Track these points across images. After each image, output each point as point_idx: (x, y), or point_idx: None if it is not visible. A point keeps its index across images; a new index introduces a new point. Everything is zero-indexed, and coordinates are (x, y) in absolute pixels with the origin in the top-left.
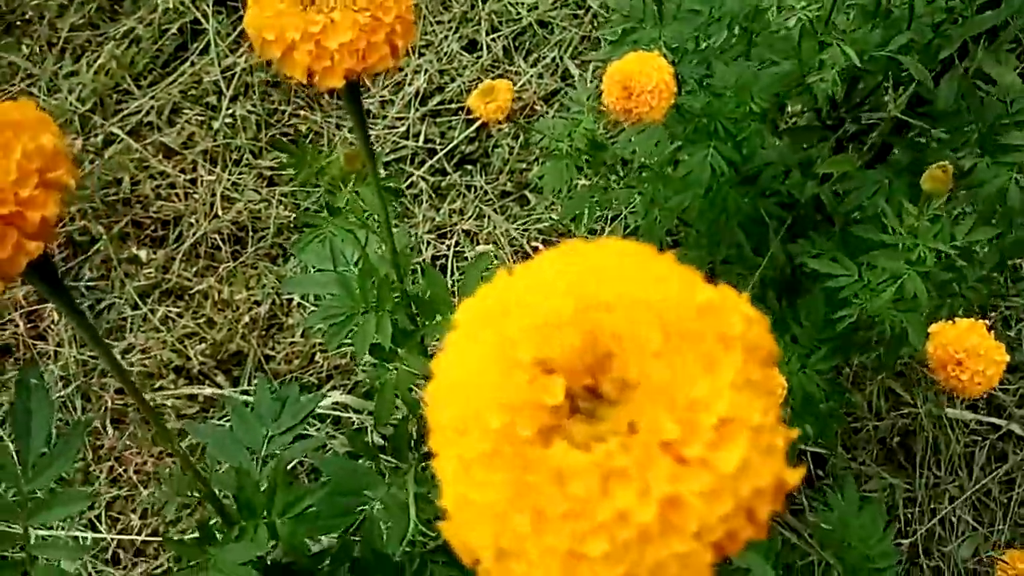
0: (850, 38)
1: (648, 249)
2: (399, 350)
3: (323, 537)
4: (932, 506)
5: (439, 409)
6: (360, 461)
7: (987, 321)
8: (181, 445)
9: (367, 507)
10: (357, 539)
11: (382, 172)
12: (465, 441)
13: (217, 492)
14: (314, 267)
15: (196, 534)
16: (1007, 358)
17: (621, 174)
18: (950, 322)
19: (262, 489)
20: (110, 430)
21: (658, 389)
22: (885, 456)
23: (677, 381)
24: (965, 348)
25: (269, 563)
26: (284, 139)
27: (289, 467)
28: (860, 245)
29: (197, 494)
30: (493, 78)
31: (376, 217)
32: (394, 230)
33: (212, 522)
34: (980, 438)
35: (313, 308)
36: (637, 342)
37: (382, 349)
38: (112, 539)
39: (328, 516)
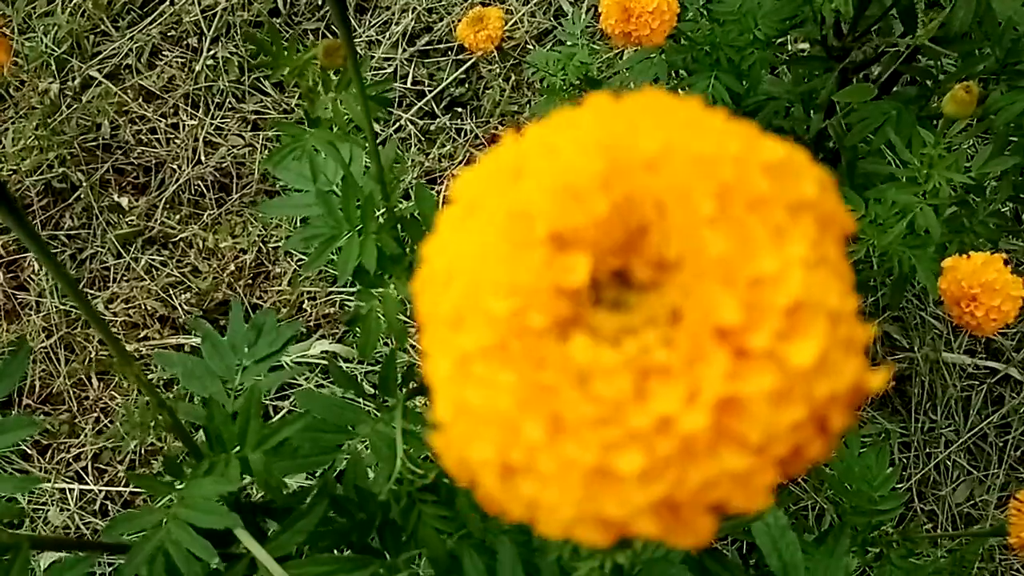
0: None
1: (699, 101)
2: (385, 275)
3: (307, 476)
4: (928, 451)
5: (431, 299)
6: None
7: (1002, 254)
8: (143, 373)
9: (352, 444)
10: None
11: (368, 78)
12: (464, 334)
13: (186, 425)
14: (293, 188)
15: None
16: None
17: None
18: (965, 256)
19: (234, 421)
20: (95, 381)
21: (711, 264)
22: (881, 401)
23: (737, 254)
24: (981, 283)
25: (242, 500)
26: (257, 33)
27: (267, 400)
28: (866, 180)
29: (161, 426)
30: None
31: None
32: (383, 145)
33: (182, 459)
34: (977, 382)
35: (302, 258)
36: (686, 208)
37: (366, 274)
38: (100, 491)
39: (309, 453)
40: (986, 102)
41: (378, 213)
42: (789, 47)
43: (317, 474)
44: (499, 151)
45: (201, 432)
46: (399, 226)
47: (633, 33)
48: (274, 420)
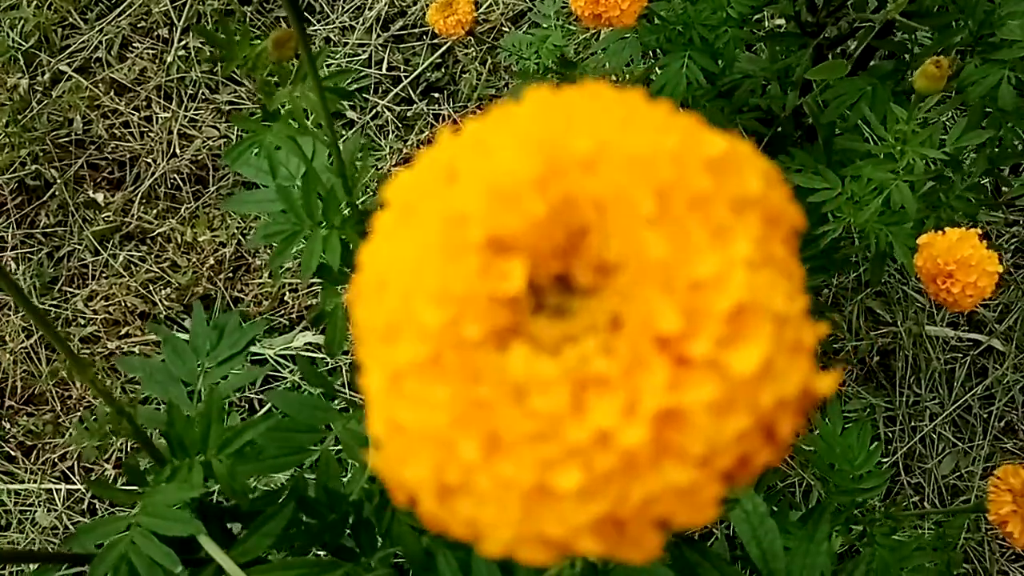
0: None
1: (640, 94)
2: (350, 271)
3: (280, 476)
4: (912, 424)
5: (365, 310)
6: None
7: (979, 229)
8: (103, 380)
9: (323, 443)
10: (313, 478)
11: (341, 65)
12: (396, 348)
13: (148, 431)
14: (255, 183)
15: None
16: (1000, 268)
17: None
18: (940, 233)
19: (195, 425)
20: (77, 380)
21: (652, 268)
22: (865, 376)
23: (677, 257)
24: (956, 259)
25: (209, 504)
26: (209, 27)
27: (251, 395)
28: (843, 158)
29: (121, 433)
30: None
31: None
32: (356, 133)
33: (147, 464)
34: (960, 355)
35: None
36: (624, 209)
37: (331, 270)
38: (87, 490)
39: (277, 454)
40: (960, 75)
41: (342, 207)
42: (767, 23)
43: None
44: (434, 151)
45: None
46: (363, 220)
47: (603, 15)
48: (238, 422)
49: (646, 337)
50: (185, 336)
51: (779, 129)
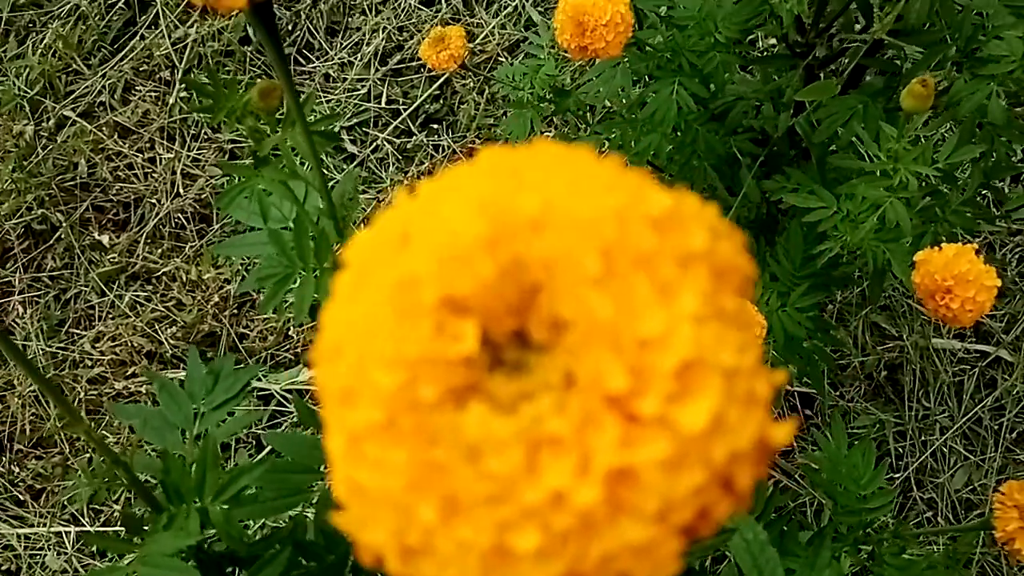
0: None
1: (589, 152)
2: None
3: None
4: (923, 438)
5: (323, 372)
6: (315, 434)
7: (974, 244)
8: (95, 429)
9: (321, 483)
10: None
11: (317, 114)
12: (354, 411)
13: (143, 479)
14: (248, 227)
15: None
16: (998, 282)
17: (588, 121)
18: (936, 249)
19: (191, 472)
20: (86, 421)
21: (599, 327)
22: (873, 391)
23: (623, 315)
24: (954, 275)
25: (204, 554)
26: (198, 79)
27: (236, 438)
28: (838, 176)
29: (116, 483)
30: None
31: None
32: (343, 177)
33: (143, 513)
34: (968, 367)
35: None
36: (571, 268)
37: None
38: (96, 531)
39: (273, 496)
40: (951, 91)
41: (334, 248)
42: (760, 44)
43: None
44: (390, 213)
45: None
46: None
47: (589, 47)
48: (245, 460)
49: (597, 396)
50: (183, 376)
51: (774, 149)
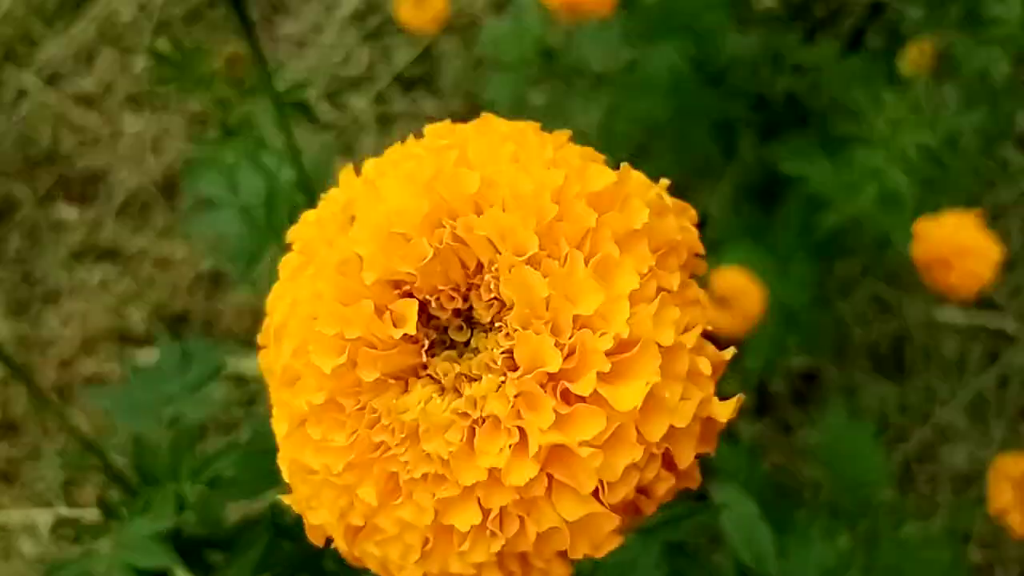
0: None
1: (534, 128)
2: None
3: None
4: (925, 412)
5: (269, 354)
6: None
7: (977, 213)
8: (67, 414)
9: None
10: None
11: (286, 83)
12: (297, 394)
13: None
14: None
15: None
16: (1000, 254)
17: (578, 86)
18: (936, 220)
19: (166, 455)
20: (56, 403)
21: (538, 307)
22: (876, 365)
23: (561, 295)
24: (953, 247)
25: (184, 535)
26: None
27: (224, 423)
28: (838, 143)
29: (89, 466)
30: None
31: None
32: (318, 148)
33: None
34: (972, 339)
35: None
36: (512, 248)
37: None
38: (71, 515)
39: (252, 478)
40: (952, 53)
41: None
42: (758, 4)
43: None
44: (334, 192)
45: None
46: None
47: (578, 6)
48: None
49: (535, 378)
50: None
51: (772, 114)
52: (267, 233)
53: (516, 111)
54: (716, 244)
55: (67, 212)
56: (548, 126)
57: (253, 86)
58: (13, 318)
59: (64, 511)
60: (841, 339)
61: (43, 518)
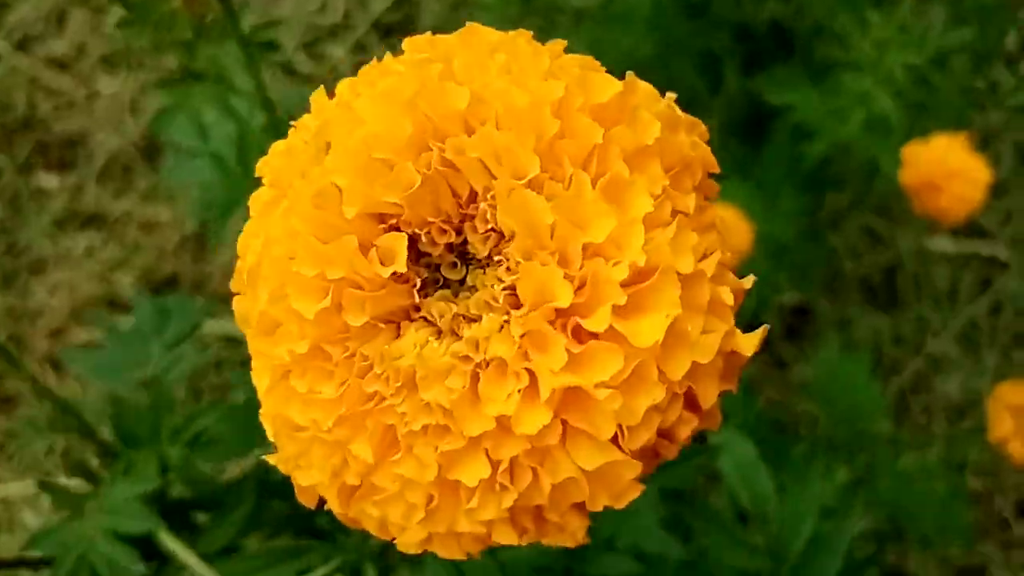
0: None
1: (527, 37)
2: None
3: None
4: (918, 343)
5: (244, 301)
6: None
7: (965, 135)
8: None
9: None
10: None
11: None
12: (278, 343)
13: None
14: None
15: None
16: (989, 177)
17: (559, 24)
18: (925, 143)
19: (146, 416)
20: (50, 373)
21: (543, 236)
22: (869, 297)
23: (567, 222)
24: (942, 171)
25: (166, 498)
26: None
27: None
28: (824, 69)
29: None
30: None
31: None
32: (289, 92)
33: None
34: (963, 267)
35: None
36: (509, 170)
37: None
38: (72, 485)
39: (237, 438)
40: None
41: None
42: None
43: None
44: (306, 118)
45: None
46: None
47: None
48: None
49: (543, 313)
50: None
51: (757, 45)
52: (241, 181)
53: None
54: None
55: (47, 180)
56: None
57: (217, 25)
58: (1, 290)
59: (65, 480)
60: (832, 272)
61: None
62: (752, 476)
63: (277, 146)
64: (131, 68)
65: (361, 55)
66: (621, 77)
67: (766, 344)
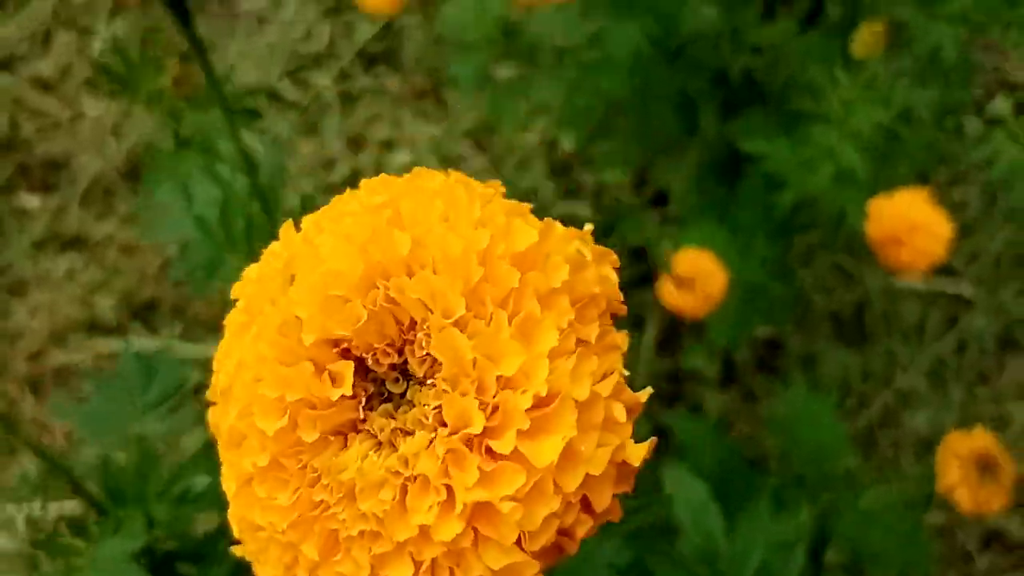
0: None
1: (464, 184)
2: None
3: None
4: (887, 377)
5: (216, 414)
6: None
7: (930, 186)
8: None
9: None
10: None
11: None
12: (243, 455)
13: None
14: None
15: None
16: (951, 232)
17: (541, 63)
18: (889, 198)
19: (132, 475)
20: (28, 397)
21: (465, 367)
22: (839, 332)
23: (485, 356)
24: (905, 225)
25: (157, 550)
26: (111, 59)
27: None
28: (796, 119)
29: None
30: None
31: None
32: (270, 151)
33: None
34: (931, 304)
35: None
36: (441, 309)
37: None
38: (49, 510)
39: (220, 496)
40: (906, 29)
41: (265, 229)
42: None
43: None
44: (275, 247)
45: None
46: None
47: None
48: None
49: (461, 437)
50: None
51: (733, 90)
52: (224, 244)
53: (480, 86)
54: (679, 220)
55: (29, 201)
56: (513, 100)
57: (203, 98)
58: None
59: (40, 508)
60: (803, 307)
61: (20, 514)
62: (702, 516)
63: (250, 272)
64: (115, 92)
65: (345, 83)
66: (602, 119)
67: (738, 378)
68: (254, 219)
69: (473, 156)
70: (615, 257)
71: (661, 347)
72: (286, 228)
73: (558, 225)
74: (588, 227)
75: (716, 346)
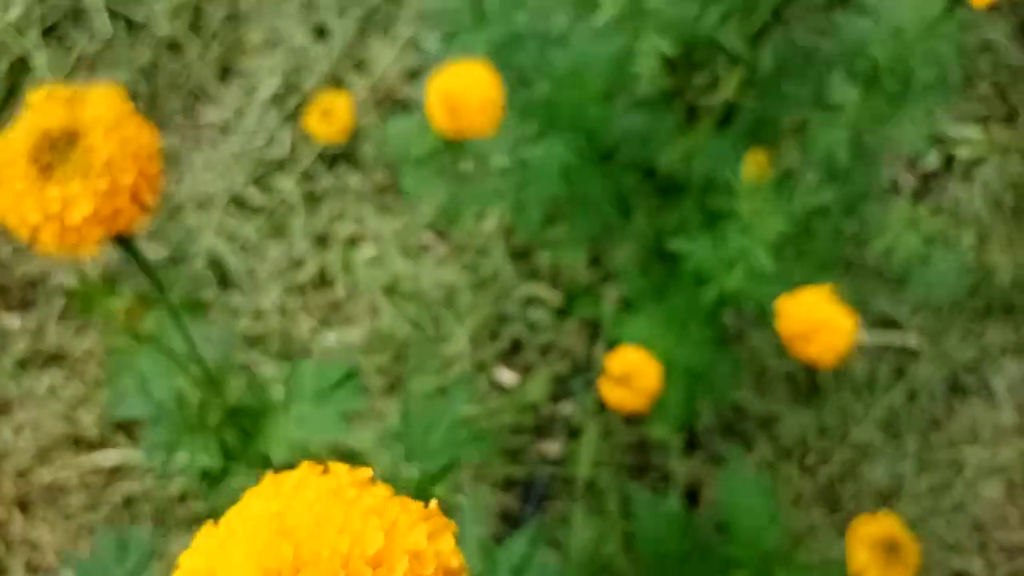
0: (664, 19)
1: (335, 492)
2: (230, 471)
3: None
4: (843, 432)
5: None
6: None
7: (833, 284)
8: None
9: None
10: None
11: (241, 147)
12: None
13: None
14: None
15: None
16: (855, 327)
17: (485, 173)
18: (794, 297)
19: None
20: (17, 516)
21: None
22: (795, 393)
23: None
24: (810, 323)
25: None
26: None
27: None
28: (717, 217)
29: None
30: (348, 68)
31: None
32: (219, 337)
33: None
34: (879, 358)
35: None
36: None
37: (213, 470)
38: None
39: None
40: (806, 131)
41: (217, 409)
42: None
43: None
44: (185, 560)
45: None
46: (240, 417)
47: (465, 129)
48: None
49: None
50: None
51: (661, 185)
52: (181, 427)
53: (433, 191)
54: (626, 302)
55: (9, 320)
56: (465, 206)
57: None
58: None
59: None
60: (759, 372)
61: None
62: None
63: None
64: None
65: (308, 184)
66: (545, 220)
67: (702, 444)
68: (206, 403)
69: (436, 245)
70: (455, 527)
71: (627, 419)
72: (206, 529)
73: (404, 517)
74: (433, 503)
75: (671, 430)
